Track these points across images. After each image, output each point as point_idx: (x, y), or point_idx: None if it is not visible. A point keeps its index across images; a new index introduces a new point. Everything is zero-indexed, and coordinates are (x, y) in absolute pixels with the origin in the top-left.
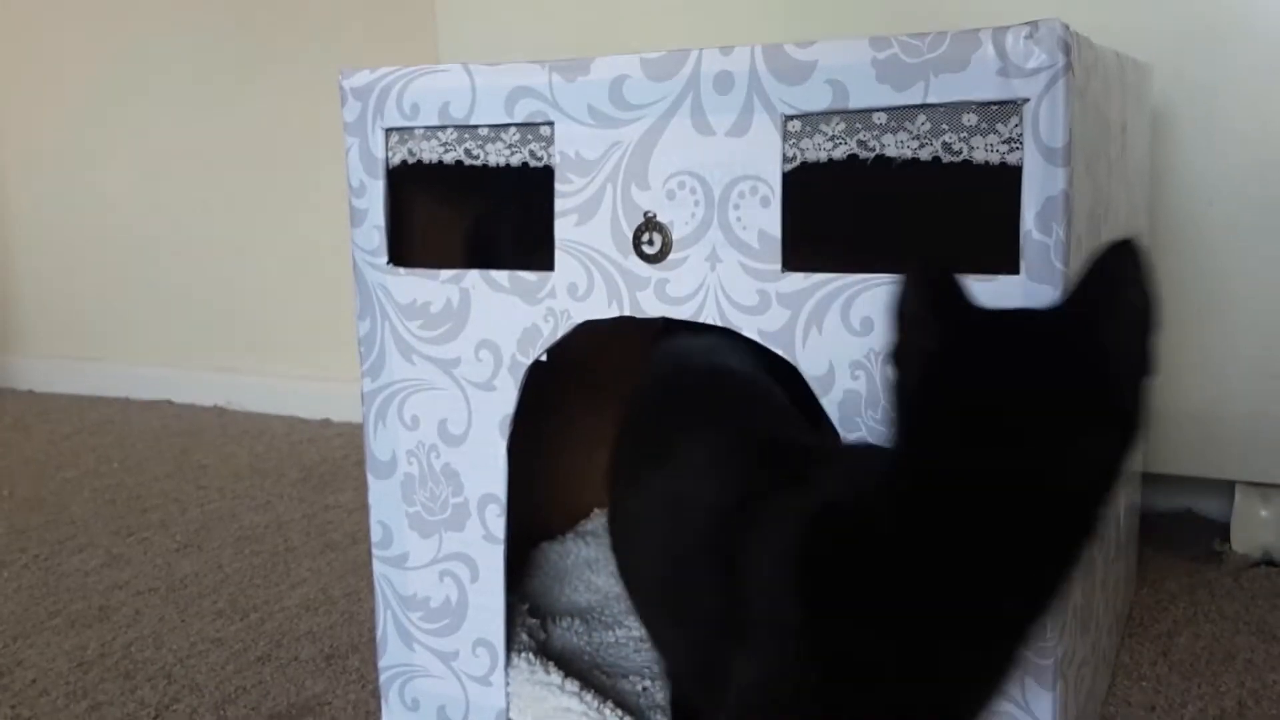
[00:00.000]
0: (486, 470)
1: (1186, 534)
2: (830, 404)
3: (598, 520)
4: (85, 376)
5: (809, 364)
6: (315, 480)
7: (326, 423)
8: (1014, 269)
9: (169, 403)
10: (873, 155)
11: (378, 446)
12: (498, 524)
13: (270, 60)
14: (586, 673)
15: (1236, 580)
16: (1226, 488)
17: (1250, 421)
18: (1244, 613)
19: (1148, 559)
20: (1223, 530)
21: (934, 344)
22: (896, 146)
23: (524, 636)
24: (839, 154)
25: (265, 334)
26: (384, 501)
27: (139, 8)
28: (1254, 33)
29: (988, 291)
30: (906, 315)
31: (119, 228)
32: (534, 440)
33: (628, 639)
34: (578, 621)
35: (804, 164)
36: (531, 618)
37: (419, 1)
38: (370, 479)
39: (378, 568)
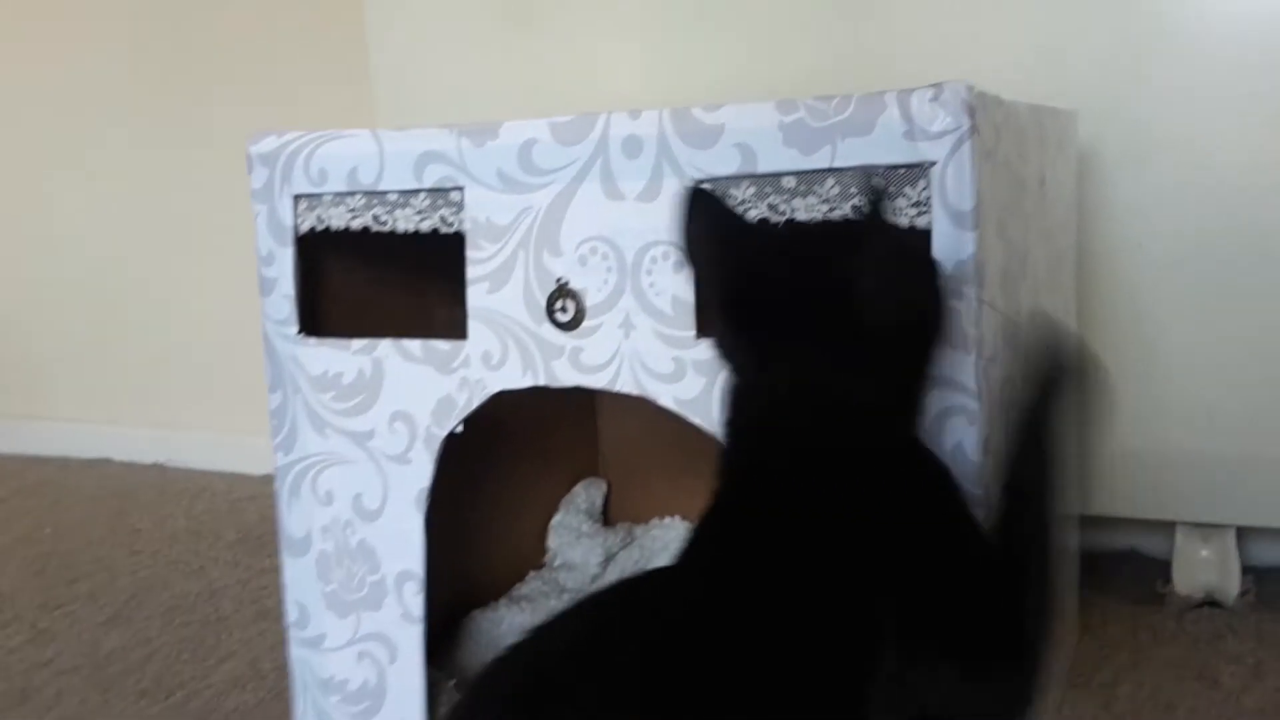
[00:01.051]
0: (403, 546)
1: (1130, 575)
2: None
3: (532, 583)
4: (24, 435)
5: None
6: (252, 542)
7: (268, 478)
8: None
9: (109, 461)
10: (784, 219)
11: (291, 523)
12: (416, 602)
13: (209, 108)
14: None
15: (1179, 623)
16: (1171, 526)
17: (1189, 462)
18: (1187, 658)
19: (1091, 603)
20: (1167, 569)
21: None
22: (806, 210)
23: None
24: (750, 218)
25: (205, 388)
26: (299, 580)
27: (62, 75)
28: (1177, 74)
29: None
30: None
31: (55, 282)
32: (465, 503)
33: None
34: None
35: None
36: (458, 693)
37: (355, 54)
38: (284, 557)
39: (294, 650)
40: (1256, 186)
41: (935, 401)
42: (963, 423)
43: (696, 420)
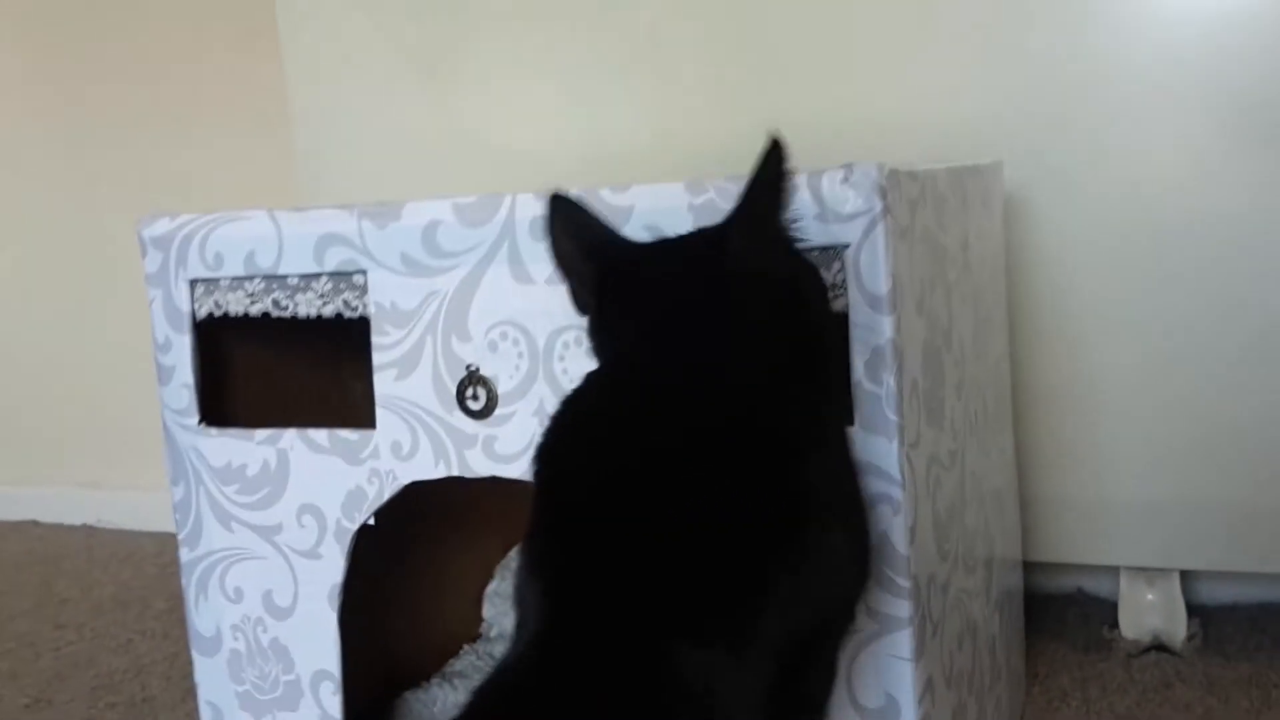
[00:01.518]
0: (317, 645)
1: (1077, 618)
2: None
3: (466, 658)
4: None
5: None
6: (181, 611)
7: None
8: (849, 419)
9: (35, 523)
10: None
11: (200, 621)
12: (333, 703)
13: (123, 154)
14: None
15: (1127, 671)
16: (1116, 568)
17: (1131, 507)
18: (1135, 709)
19: (1039, 650)
20: (1114, 610)
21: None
22: None
23: None
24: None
25: (133, 444)
26: (211, 680)
27: None
28: (1100, 117)
29: None
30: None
31: None
32: (394, 577)
33: None
34: None
35: None
36: None
37: (276, 112)
38: (195, 655)
39: None
40: (1194, 225)
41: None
42: (888, 512)
43: None
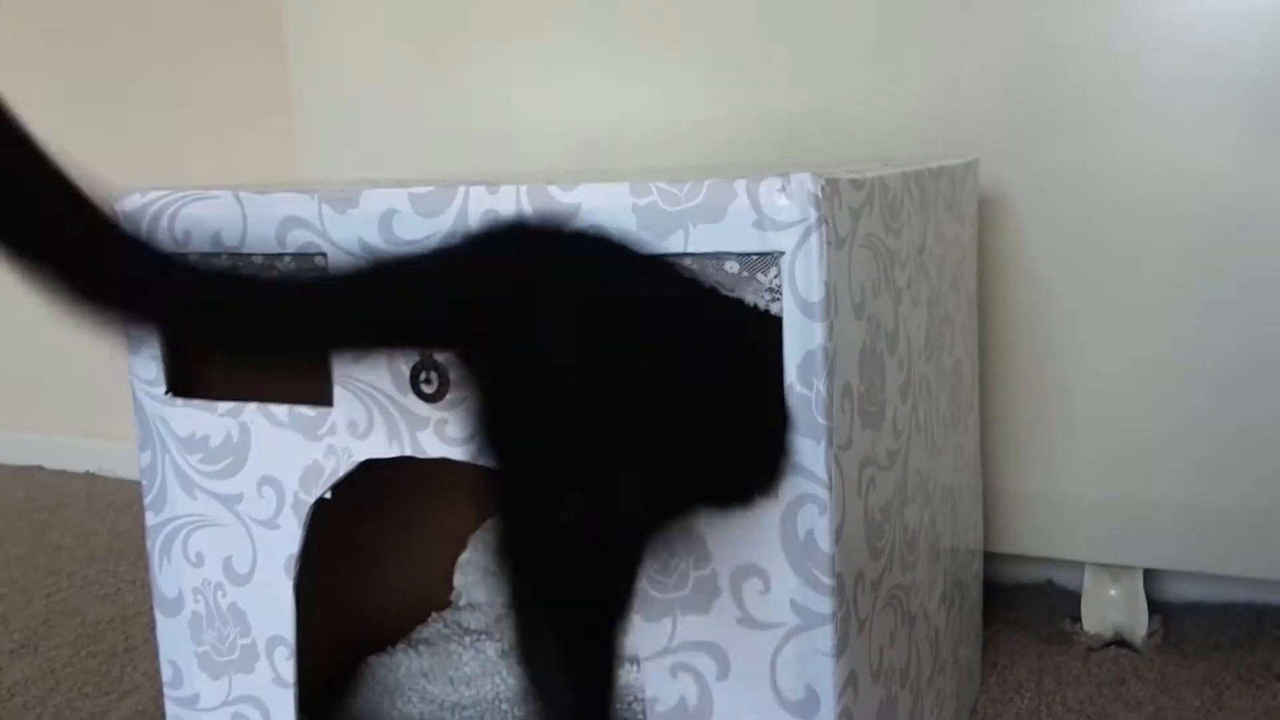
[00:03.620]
0: (274, 611)
1: (1042, 609)
2: None
3: (434, 626)
4: None
5: None
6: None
7: None
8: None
9: (40, 469)
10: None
11: (164, 583)
12: (286, 667)
13: (124, 132)
14: None
15: (1085, 665)
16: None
17: (1097, 504)
18: (1088, 704)
19: (1001, 639)
20: (1079, 604)
21: None
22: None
23: None
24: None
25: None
26: (172, 640)
27: None
28: (1080, 117)
29: None
30: None
31: None
32: (366, 542)
33: None
34: None
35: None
36: None
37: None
38: (158, 615)
39: (170, 708)
40: (1165, 227)
41: (786, 489)
42: (814, 511)
43: None
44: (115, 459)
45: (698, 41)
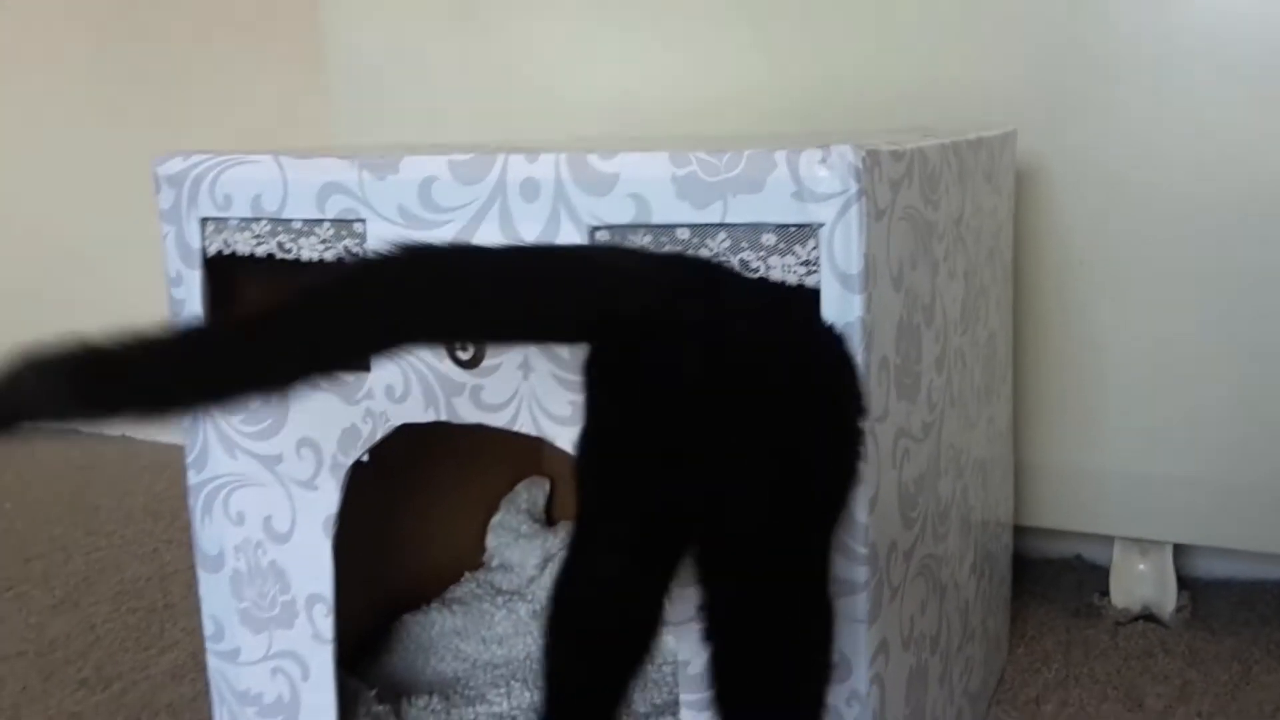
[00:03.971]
0: (313, 570)
1: (1071, 584)
2: None
3: (467, 585)
4: None
5: None
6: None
7: None
8: None
9: (75, 432)
10: None
11: (205, 540)
12: (325, 624)
13: (162, 92)
14: None
15: (1113, 638)
16: (1112, 537)
17: (1128, 478)
18: (1115, 675)
19: (1029, 612)
20: (1108, 578)
21: None
22: None
23: None
24: None
25: None
26: (214, 596)
27: (36, 32)
28: (1119, 91)
29: None
30: None
31: (26, 243)
32: (400, 503)
33: (488, 716)
34: (436, 698)
35: None
36: (381, 704)
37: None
38: (200, 572)
39: (212, 662)
40: (1202, 202)
41: None
42: None
43: None
44: None
45: (729, 10)
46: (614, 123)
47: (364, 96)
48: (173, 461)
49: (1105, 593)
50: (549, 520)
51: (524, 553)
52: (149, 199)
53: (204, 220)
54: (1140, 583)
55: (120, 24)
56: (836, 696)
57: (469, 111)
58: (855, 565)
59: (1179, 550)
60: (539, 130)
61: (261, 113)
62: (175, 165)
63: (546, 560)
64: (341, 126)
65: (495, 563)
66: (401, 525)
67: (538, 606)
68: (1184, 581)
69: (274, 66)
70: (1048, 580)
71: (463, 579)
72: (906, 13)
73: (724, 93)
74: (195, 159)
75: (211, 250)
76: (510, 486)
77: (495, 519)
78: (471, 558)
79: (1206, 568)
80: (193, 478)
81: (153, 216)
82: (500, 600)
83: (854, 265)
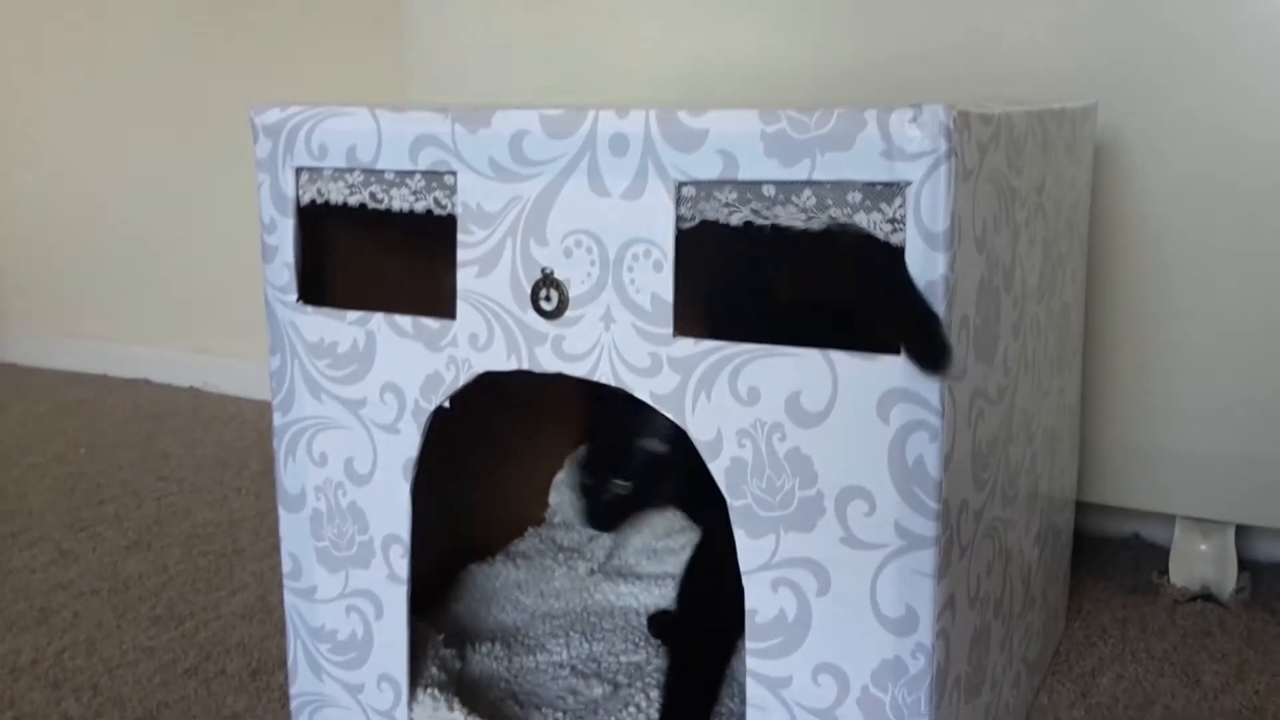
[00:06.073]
0: (391, 511)
1: (1129, 562)
2: (717, 470)
3: (530, 540)
4: (68, 352)
5: (698, 429)
6: (274, 474)
7: None
8: (896, 350)
9: (146, 382)
10: (769, 225)
11: (288, 480)
12: (401, 564)
13: (245, 51)
14: (499, 703)
15: (1170, 616)
16: (1173, 516)
17: (1193, 457)
18: (1172, 652)
19: (1087, 587)
20: (1167, 558)
21: None
22: (788, 218)
23: (433, 670)
24: (735, 220)
25: (242, 316)
26: (293, 534)
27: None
28: (1199, 67)
29: (871, 371)
30: None
31: (101, 202)
32: (471, 456)
33: (548, 664)
34: (498, 646)
35: (703, 222)
36: (447, 648)
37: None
38: (281, 511)
39: (288, 598)
40: (1277, 183)
41: (897, 415)
42: (924, 438)
43: (670, 415)
44: (220, 375)
45: None
46: (685, 95)
47: (439, 62)
48: (241, 413)
49: (1164, 571)
50: None
51: (579, 515)
52: (219, 153)
53: (298, 170)
54: (1201, 562)
55: None
56: (902, 649)
57: (537, 83)
58: (926, 520)
59: (1240, 531)
60: (605, 97)
61: (338, 76)
62: (273, 115)
63: None
64: (413, 94)
65: (557, 519)
66: (476, 474)
67: (595, 565)
68: (1244, 563)
69: (353, 30)
70: (1105, 557)
71: (526, 533)
72: None
73: (797, 65)
74: (292, 109)
75: (305, 199)
76: (573, 446)
77: (558, 476)
78: (535, 512)
79: (1267, 550)
80: (278, 419)
81: (230, 169)
82: (561, 557)
83: (940, 224)
